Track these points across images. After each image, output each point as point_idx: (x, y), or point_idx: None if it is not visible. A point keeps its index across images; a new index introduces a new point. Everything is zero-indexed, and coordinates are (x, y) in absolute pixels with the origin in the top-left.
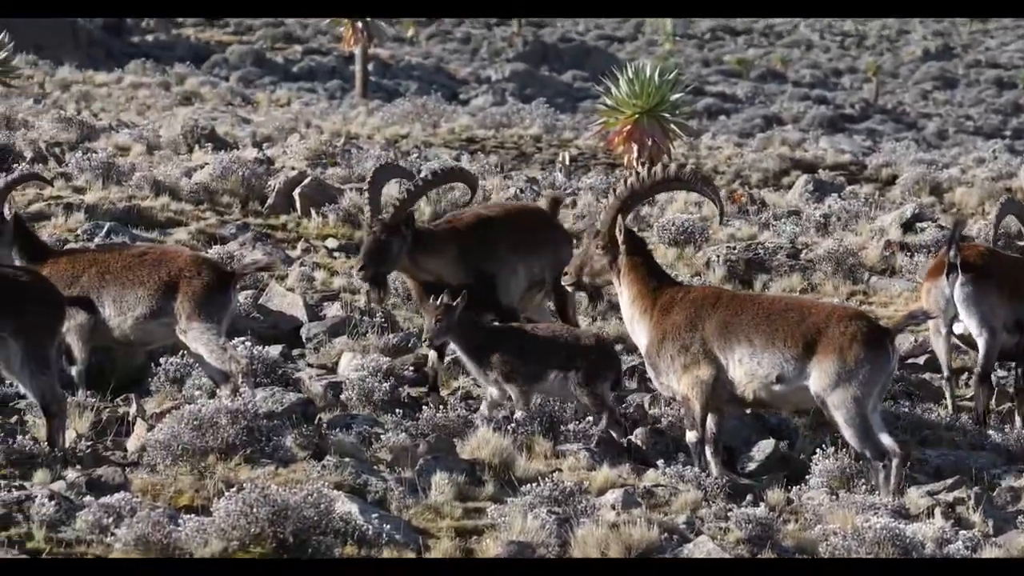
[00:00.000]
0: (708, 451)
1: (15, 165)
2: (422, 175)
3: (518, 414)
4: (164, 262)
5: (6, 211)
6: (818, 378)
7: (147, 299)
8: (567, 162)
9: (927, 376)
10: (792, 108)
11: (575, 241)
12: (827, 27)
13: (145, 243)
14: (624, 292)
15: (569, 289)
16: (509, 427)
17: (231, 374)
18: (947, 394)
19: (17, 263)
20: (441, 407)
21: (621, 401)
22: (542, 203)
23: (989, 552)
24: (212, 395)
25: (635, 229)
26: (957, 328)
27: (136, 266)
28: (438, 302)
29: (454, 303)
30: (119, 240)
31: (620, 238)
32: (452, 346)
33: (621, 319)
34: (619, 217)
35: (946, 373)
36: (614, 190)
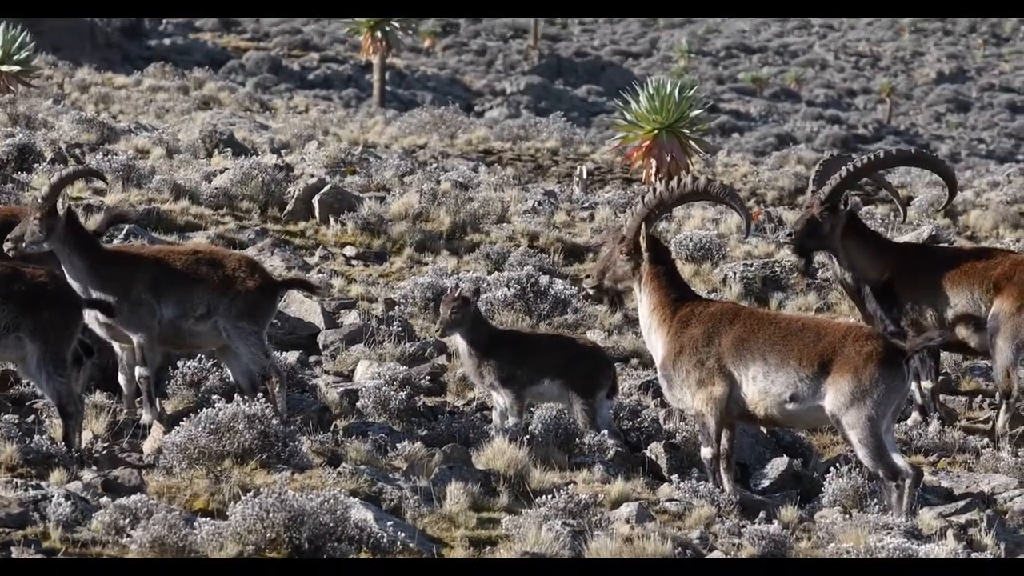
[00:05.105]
0: (721, 467)
1: (35, 165)
2: None
3: (534, 426)
4: (218, 261)
5: (59, 206)
6: (833, 397)
7: (206, 298)
8: (584, 176)
9: (942, 397)
10: (805, 127)
11: None
12: (842, 47)
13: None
14: (644, 300)
15: (591, 293)
16: (524, 439)
17: (268, 380)
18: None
19: (70, 260)
20: (456, 416)
21: (635, 415)
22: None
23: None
24: (229, 399)
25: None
26: None
27: (194, 264)
28: (455, 295)
29: (471, 297)
30: (138, 243)
31: (644, 246)
32: (456, 344)
33: (636, 333)
34: (644, 225)
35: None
36: (642, 198)
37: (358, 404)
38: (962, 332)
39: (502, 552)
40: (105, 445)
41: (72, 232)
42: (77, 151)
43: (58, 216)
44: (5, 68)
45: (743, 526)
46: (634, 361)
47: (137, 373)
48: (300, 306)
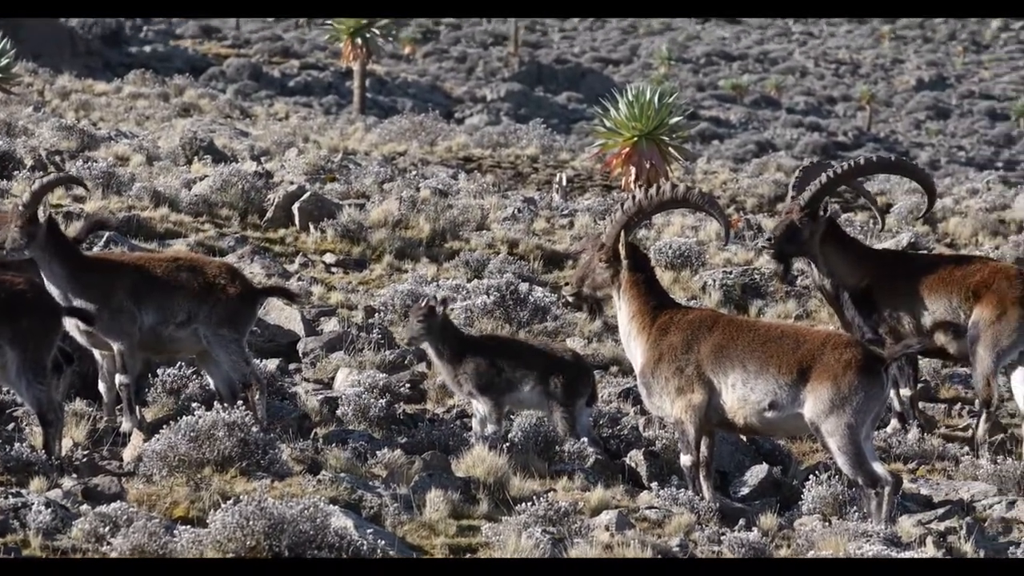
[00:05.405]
0: (701, 475)
1: (15, 172)
2: None
3: (513, 434)
4: (199, 268)
5: (40, 213)
6: (812, 405)
7: (187, 305)
8: (564, 183)
9: (921, 405)
10: (785, 134)
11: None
12: (822, 55)
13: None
14: (623, 308)
15: (571, 301)
16: (504, 446)
17: (248, 388)
18: None
19: (51, 267)
20: (436, 424)
21: (615, 422)
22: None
23: None
24: (209, 406)
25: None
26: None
27: (174, 271)
28: (422, 304)
29: (437, 307)
30: (118, 250)
31: (623, 253)
32: (429, 353)
33: (616, 341)
34: (623, 233)
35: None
36: (622, 205)
37: (338, 412)
38: (941, 339)
39: None
40: (85, 453)
41: (53, 239)
42: (57, 158)
43: (39, 223)
44: None
45: (723, 534)
46: (614, 368)
47: (117, 380)
48: (280, 313)
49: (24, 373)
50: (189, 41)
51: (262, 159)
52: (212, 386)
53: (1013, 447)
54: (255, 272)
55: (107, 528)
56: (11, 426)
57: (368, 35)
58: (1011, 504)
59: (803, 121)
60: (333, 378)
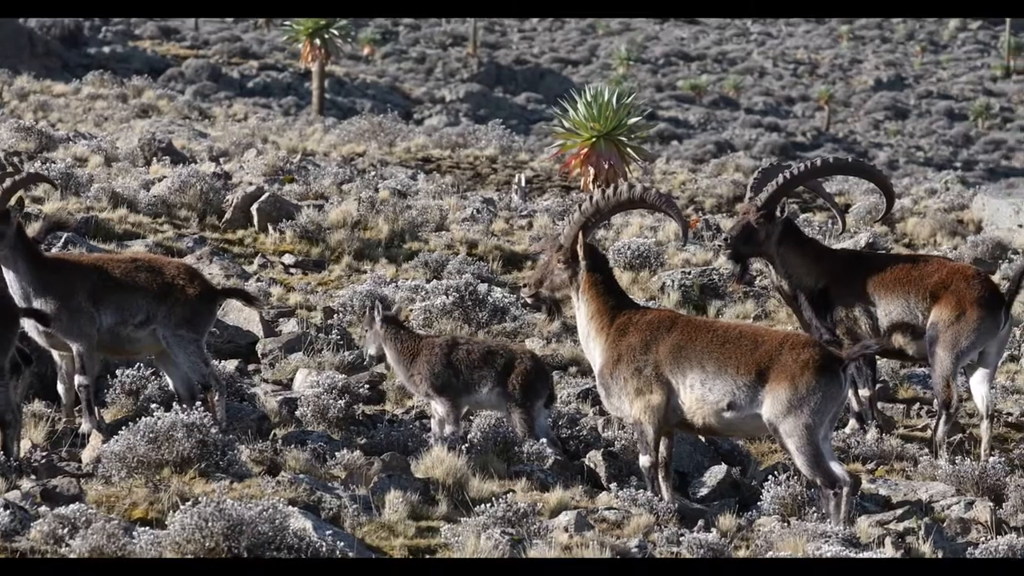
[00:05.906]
0: (660, 475)
1: None
2: None
3: (472, 435)
4: (158, 268)
5: (14, 212)
6: (770, 405)
7: (146, 305)
8: (523, 184)
9: (879, 405)
10: (744, 135)
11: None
12: (780, 55)
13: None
14: (582, 308)
15: (529, 302)
16: (463, 447)
17: (208, 389)
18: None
19: (16, 266)
20: (395, 425)
21: (574, 423)
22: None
23: None
24: (168, 407)
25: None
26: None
27: (133, 271)
28: (366, 312)
29: (376, 311)
30: (76, 251)
31: (581, 254)
32: (387, 355)
33: (575, 341)
34: (581, 233)
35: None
36: (579, 206)
37: (297, 413)
38: (899, 340)
39: None
40: (44, 454)
41: (20, 238)
42: (16, 159)
43: (9, 222)
44: None
45: (682, 534)
46: (572, 369)
47: (76, 382)
48: (239, 314)
49: None
50: (148, 42)
51: (221, 160)
52: (171, 387)
53: (971, 447)
54: (214, 273)
55: (66, 530)
56: None
57: (327, 36)
58: (969, 504)
59: (762, 121)
60: (292, 379)
